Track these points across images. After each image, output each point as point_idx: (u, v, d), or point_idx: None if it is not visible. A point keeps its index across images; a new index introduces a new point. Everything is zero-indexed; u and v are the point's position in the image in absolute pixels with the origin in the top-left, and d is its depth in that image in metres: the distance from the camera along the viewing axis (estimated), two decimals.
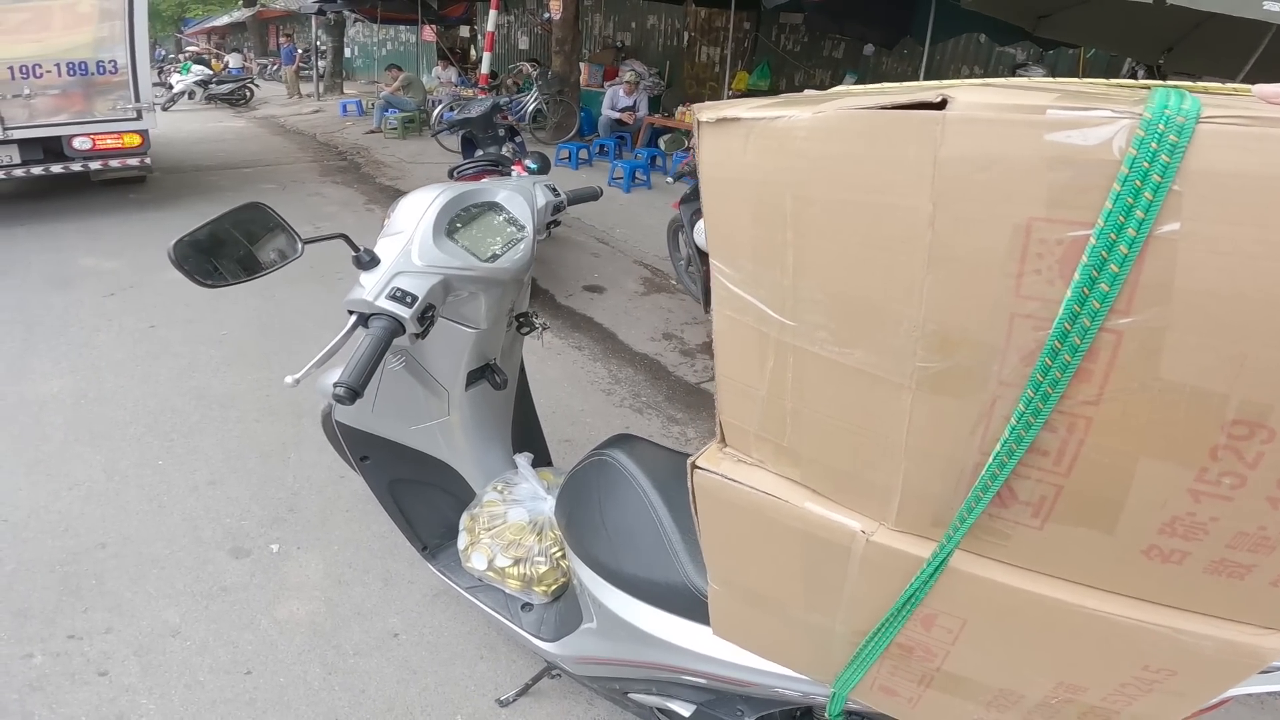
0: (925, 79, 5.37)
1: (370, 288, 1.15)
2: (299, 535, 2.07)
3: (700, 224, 3.18)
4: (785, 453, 0.70)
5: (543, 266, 4.35)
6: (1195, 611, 0.55)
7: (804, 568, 0.75)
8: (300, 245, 1.23)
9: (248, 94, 12.94)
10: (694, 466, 0.76)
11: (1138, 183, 0.38)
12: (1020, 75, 5.88)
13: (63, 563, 1.93)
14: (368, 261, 1.17)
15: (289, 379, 1.10)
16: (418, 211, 1.25)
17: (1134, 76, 5.14)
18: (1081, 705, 0.66)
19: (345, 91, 13.43)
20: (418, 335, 1.19)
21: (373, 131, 9.16)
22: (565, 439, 2.57)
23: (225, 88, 12.83)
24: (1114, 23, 4.16)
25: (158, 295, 3.71)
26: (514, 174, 3.75)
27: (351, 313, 1.17)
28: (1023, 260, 0.44)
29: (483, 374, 1.51)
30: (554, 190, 1.51)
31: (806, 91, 0.60)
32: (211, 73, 13.57)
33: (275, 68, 16.77)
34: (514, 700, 1.60)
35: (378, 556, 2.00)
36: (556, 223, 1.56)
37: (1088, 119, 0.40)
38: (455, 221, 1.29)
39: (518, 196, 1.39)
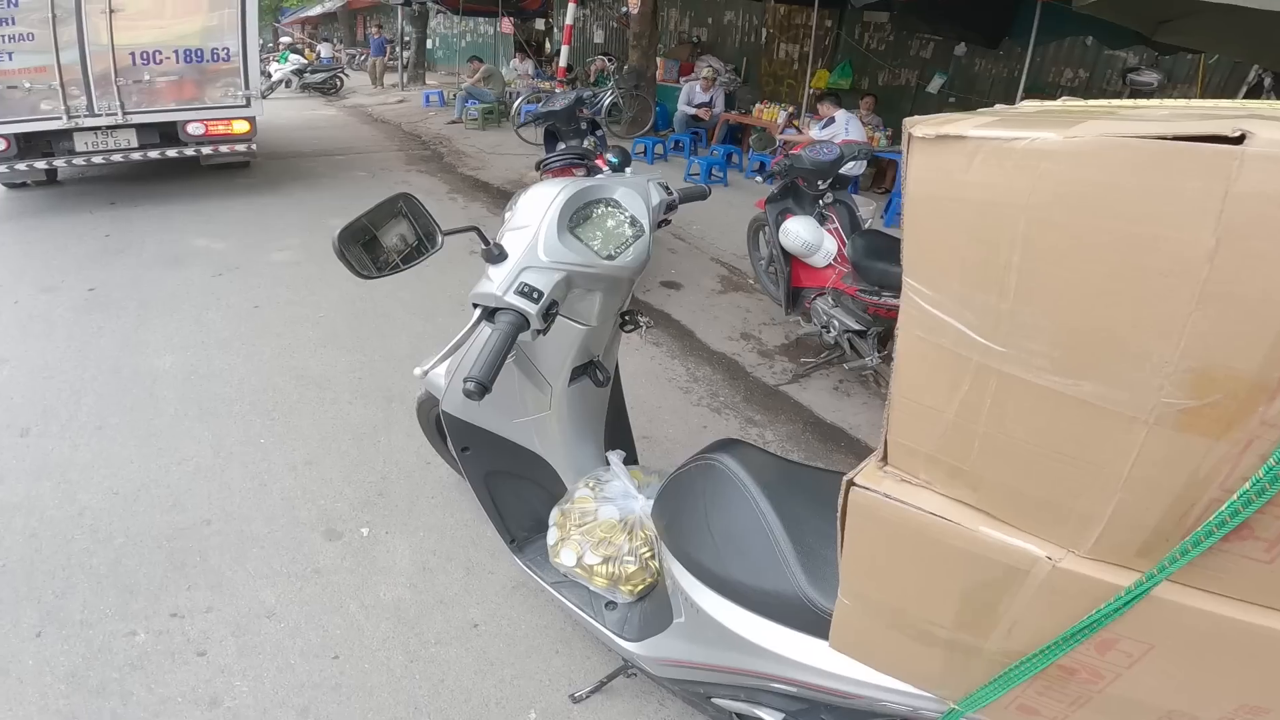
0: (1026, 82, 5.10)
1: (499, 282, 1.16)
2: (388, 519, 2.13)
3: (786, 225, 3.09)
4: (964, 476, 0.68)
5: None
6: None
7: (963, 589, 0.73)
8: (440, 238, 1.26)
9: (339, 83, 13.50)
10: (851, 483, 0.74)
11: None
12: (1133, 79, 5.48)
13: (170, 538, 2.02)
14: (497, 255, 1.19)
15: (418, 370, 1.13)
16: (542, 206, 1.25)
17: (1260, 84, 4.71)
18: None
19: (428, 82, 13.84)
20: (540, 331, 1.19)
21: (454, 122, 9.41)
22: (643, 435, 2.55)
23: (318, 77, 13.41)
24: (1242, 29, 3.82)
25: (260, 276, 3.92)
26: (598, 167, 3.77)
27: (476, 305, 1.18)
28: None
29: (585, 370, 1.51)
30: (667, 189, 1.49)
31: (1024, 104, 0.56)
32: (306, 62, 14.23)
33: (363, 57, 17.40)
34: (587, 697, 1.60)
35: (461, 545, 2.04)
36: (667, 221, 1.53)
37: None
38: (576, 217, 1.29)
39: (634, 194, 1.38)
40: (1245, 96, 4.82)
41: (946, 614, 0.77)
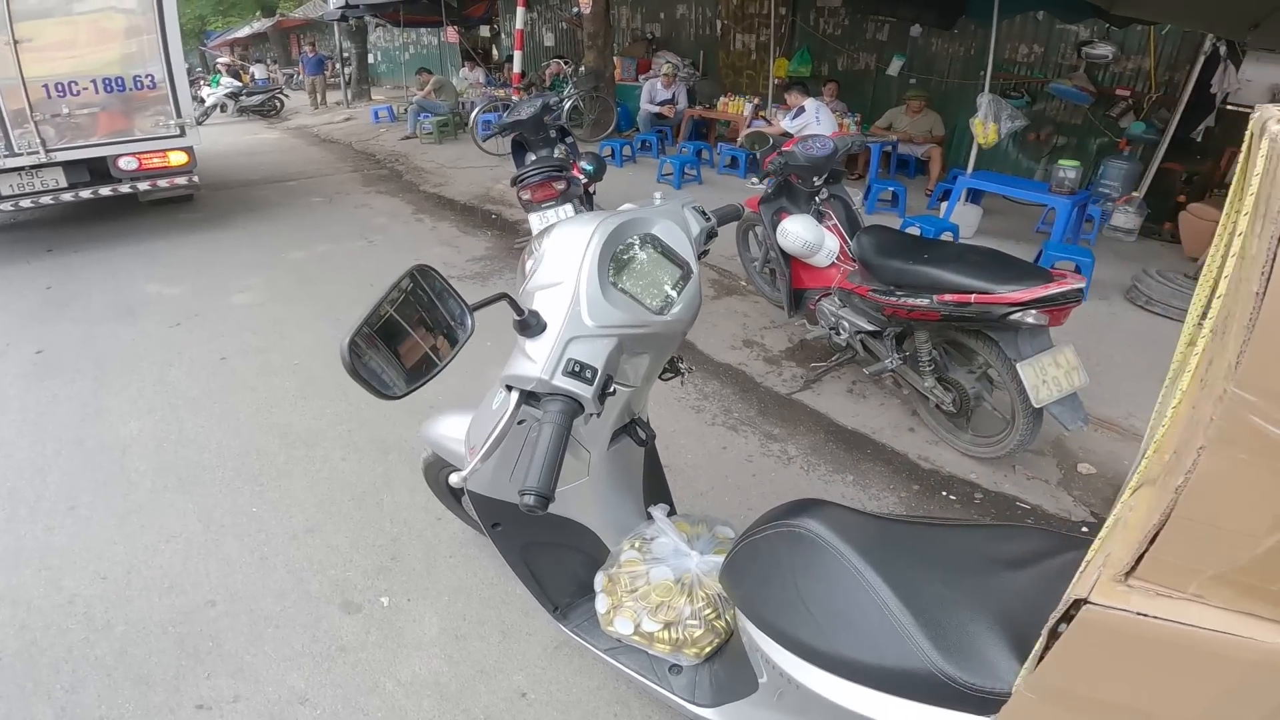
0: (989, 58, 5.09)
1: (544, 362, 0.96)
2: (407, 586, 1.97)
3: (784, 225, 2.97)
4: (1260, 593, 0.57)
5: None
6: None
7: (1219, 694, 0.63)
8: (470, 319, 1.03)
9: (278, 104, 13.01)
10: (1086, 602, 0.62)
11: None
12: (1088, 53, 5.53)
13: (174, 623, 1.85)
14: (535, 327, 0.99)
15: (454, 479, 0.95)
16: (576, 254, 1.05)
17: (1215, 53, 4.79)
18: None
19: (374, 98, 13.41)
20: (595, 415, 1.00)
21: (408, 137, 9.09)
22: (664, 465, 2.41)
23: (256, 99, 12.89)
24: None
25: (223, 323, 3.65)
26: (575, 178, 3.57)
27: (511, 388, 0.99)
28: None
29: (626, 430, 1.35)
30: (704, 214, 1.31)
31: None
32: (241, 85, 13.65)
33: (299, 77, 16.86)
34: None
35: (491, 606, 1.89)
36: (706, 252, 1.34)
37: None
38: (616, 263, 1.09)
39: (673, 225, 1.18)
40: (1202, 68, 4.90)
41: (1180, 717, 0.66)
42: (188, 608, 1.89)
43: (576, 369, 0.96)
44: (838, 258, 2.96)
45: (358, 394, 2.90)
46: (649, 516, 1.53)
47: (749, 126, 6.74)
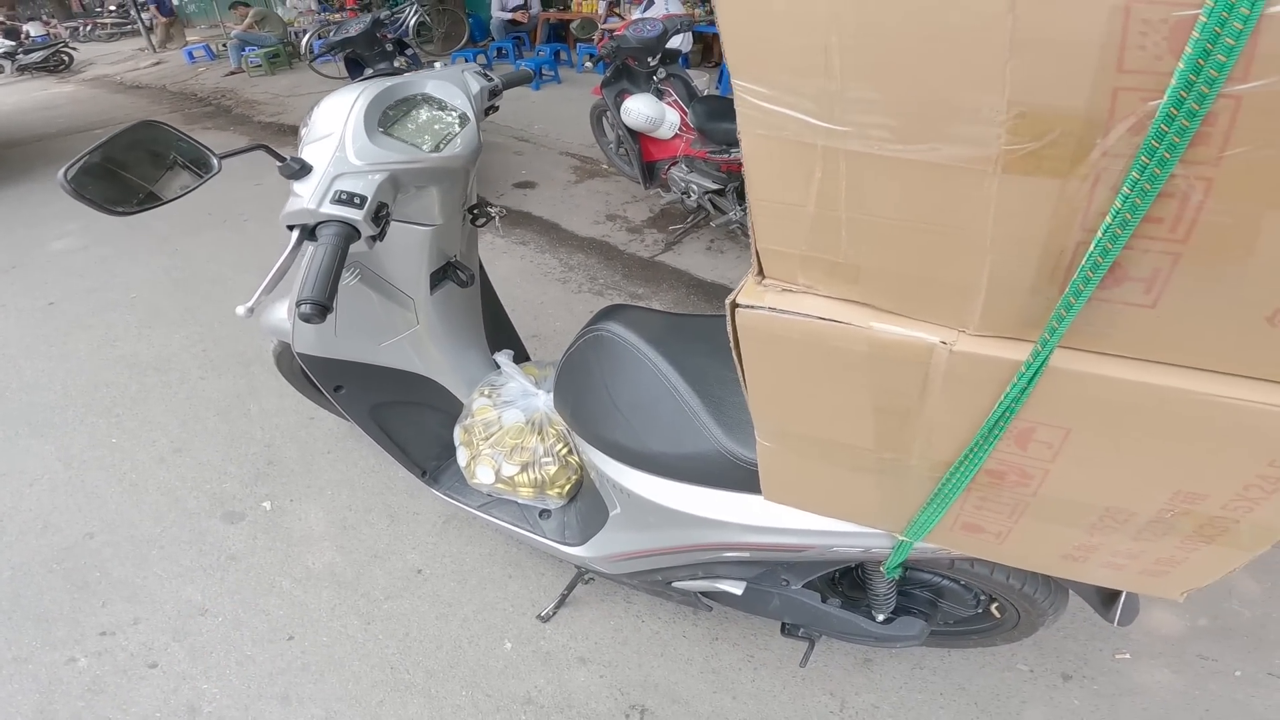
0: None
1: (310, 195, 1.01)
2: (287, 487, 1.97)
3: (626, 104, 3.05)
4: (841, 269, 0.64)
5: None
6: None
7: (874, 399, 0.69)
8: (217, 161, 1.07)
9: (66, 59, 11.30)
10: (734, 305, 0.68)
11: None
12: None
13: (58, 560, 1.79)
14: (297, 170, 1.03)
15: (240, 309, 0.98)
16: (341, 111, 1.10)
17: None
18: (1200, 516, 0.63)
19: (188, 39, 11.83)
20: (374, 238, 1.07)
21: (233, 73, 8.18)
22: (532, 334, 2.51)
23: (37, 55, 11.14)
24: None
25: (44, 272, 3.31)
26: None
27: (292, 227, 1.04)
28: (1124, 38, 0.42)
29: (446, 274, 1.40)
30: (486, 75, 1.36)
31: None
32: (15, 44, 11.69)
33: (89, 28, 14.64)
34: (554, 613, 1.56)
35: (375, 493, 1.92)
36: (494, 108, 1.42)
37: None
38: (387, 117, 1.15)
39: (448, 84, 1.25)
40: None
41: (866, 434, 0.73)
42: (67, 544, 1.84)
43: (345, 197, 1.02)
44: (680, 129, 3.09)
45: (208, 315, 2.81)
46: (498, 365, 1.57)
47: (604, 23, 6.58)
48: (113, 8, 13.07)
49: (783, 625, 1.31)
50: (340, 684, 1.49)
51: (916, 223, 0.57)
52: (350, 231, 1.01)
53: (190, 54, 9.66)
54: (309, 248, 1.03)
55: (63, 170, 0.94)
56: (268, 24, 8.52)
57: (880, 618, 1.18)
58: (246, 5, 8.80)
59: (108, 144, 0.99)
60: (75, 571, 1.76)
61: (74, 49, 11.92)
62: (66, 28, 15.64)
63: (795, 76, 0.54)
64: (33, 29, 14.11)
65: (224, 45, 8.86)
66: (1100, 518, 0.69)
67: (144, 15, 12.14)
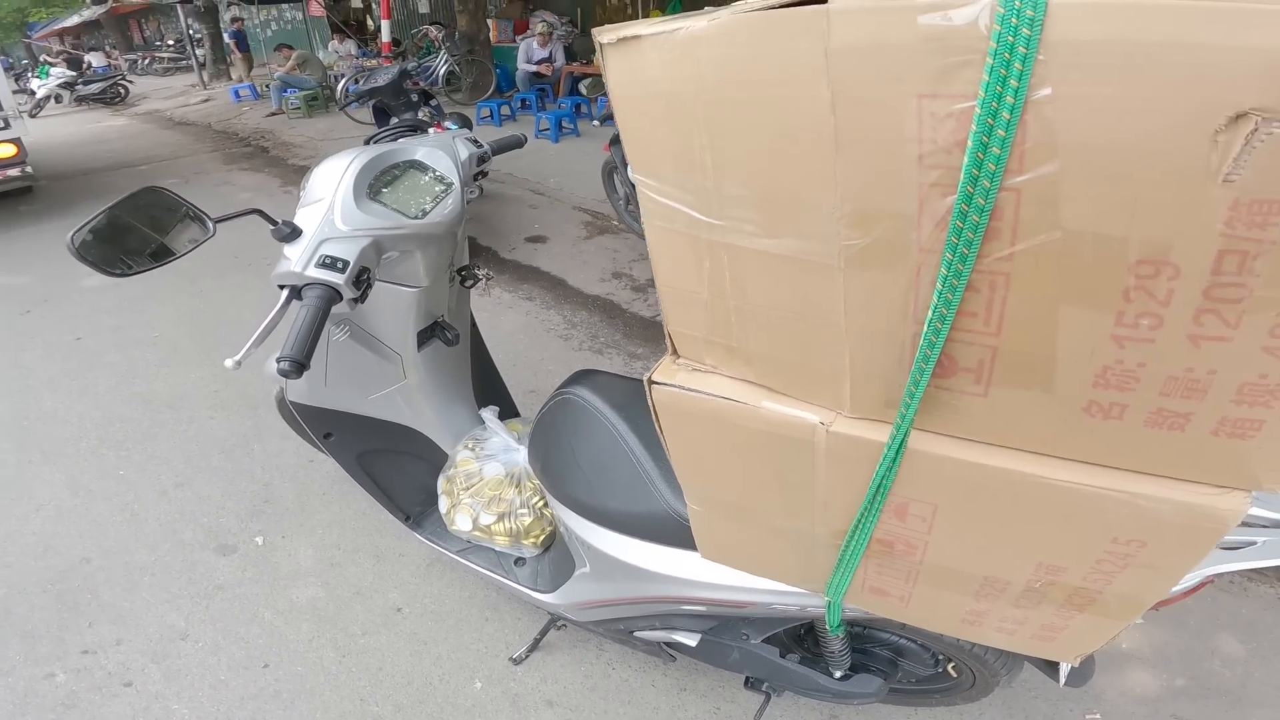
0: None
1: (296, 259, 1.10)
2: (280, 524, 2.04)
3: None
4: (736, 353, 0.69)
5: (481, 224, 4.26)
6: (1149, 474, 0.57)
7: (775, 471, 0.74)
8: (211, 225, 1.18)
9: (122, 91, 11.95)
10: (651, 382, 0.74)
11: (1006, 55, 0.41)
12: None
13: (52, 582, 1.87)
14: (288, 234, 1.12)
15: (229, 362, 1.06)
16: (334, 177, 1.20)
17: None
18: (1065, 587, 0.67)
19: (233, 77, 12.50)
20: (356, 300, 1.15)
21: (274, 114, 8.61)
22: (530, 390, 2.58)
23: (95, 87, 11.81)
24: None
25: (76, 307, 3.49)
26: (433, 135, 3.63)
27: (283, 287, 1.12)
28: (920, 133, 0.46)
29: (433, 332, 1.47)
30: (475, 142, 1.46)
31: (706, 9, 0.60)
32: (75, 74, 12.40)
33: (148, 61, 15.50)
34: (527, 656, 1.60)
35: (364, 534, 1.98)
36: (484, 173, 1.51)
37: (953, 0, 0.42)
38: (377, 183, 1.25)
39: (438, 151, 1.35)
40: None
41: (774, 502, 0.77)
42: (63, 567, 1.91)
43: (329, 261, 1.10)
44: None
45: (221, 356, 2.91)
46: (483, 420, 1.63)
47: None
48: (170, 42, 13.88)
49: (746, 679, 1.34)
50: (309, 712, 1.52)
51: (787, 312, 0.62)
52: (332, 294, 1.09)
53: (236, 93, 10.20)
54: (296, 307, 1.11)
55: (70, 234, 1.04)
56: (309, 67, 8.97)
57: (838, 674, 1.22)
58: (290, 48, 9.31)
59: (113, 209, 1.10)
60: (68, 593, 1.83)
61: (130, 82, 12.62)
62: (126, 60, 16.56)
63: (679, 173, 0.60)
64: (95, 59, 14.97)
65: (267, 86, 9.34)
66: (981, 586, 0.73)
67: (198, 51, 12.87)
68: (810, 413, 0.66)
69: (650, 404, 0.76)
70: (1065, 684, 1.03)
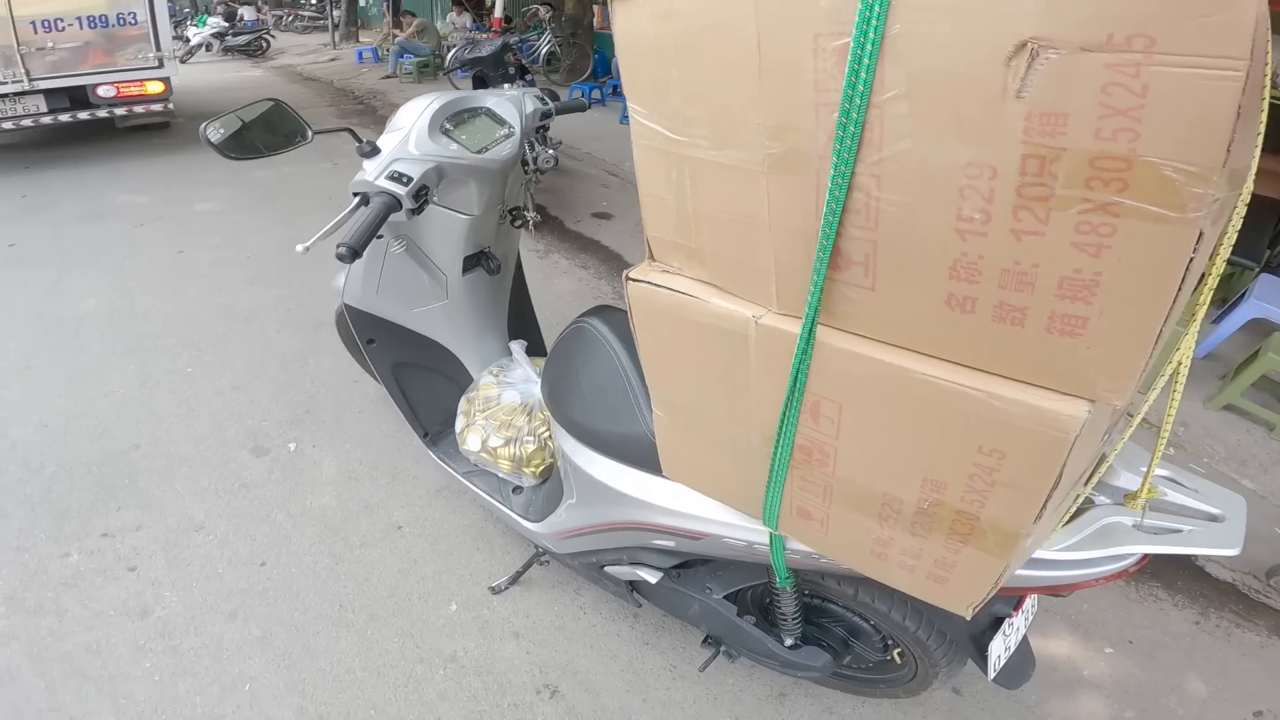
0: None
1: (371, 170, 1.27)
2: (315, 435, 2.22)
3: None
4: (694, 254, 0.79)
5: (554, 196, 4.42)
6: (1004, 377, 0.63)
7: (721, 368, 0.82)
8: (311, 133, 1.42)
9: (264, 45, 12.94)
10: (628, 279, 0.85)
11: (871, 1, 0.52)
12: None
13: (99, 464, 2.08)
14: (369, 151, 1.30)
15: (299, 246, 1.22)
16: (415, 112, 1.38)
17: None
18: (948, 509, 0.74)
19: (361, 40, 13.33)
20: (413, 211, 1.31)
21: (388, 76, 9.17)
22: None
23: (242, 39, 12.81)
24: None
25: (185, 225, 3.88)
26: None
27: (355, 194, 1.30)
28: (815, 63, 0.58)
29: (478, 260, 1.61)
30: (543, 99, 1.61)
31: None
32: (227, 25, 13.54)
33: (291, 19, 16.70)
34: (506, 588, 1.70)
35: (387, 454, 2.13)
36: (546, 127, 1.69)
37: None
38: (450, 121, 1.42)
39: (507, 103, 1.52)
40: None
41: (720, 404, 0.87)
42: (114, 451, 2.12)
43: (397, 175, 1.27)
44: None
45: (300, 281, 3.22)
46: (510, 352, 1.77)
47: None
48: (314, 1, 14.94)
49: (705, 637, 1.40)
50: (289, 611, 1.66)
51: (732, 215, 0.73)
52: (394, 202, 1.25)
53: (360, 55, 10.89)
54: (362, 211, 1.28)
55: (203, 125, 1.30)
56: (426, 35, 9.48)
57: (789, 642, 1.25)
58: (413, 15, 9.85)
59: (242, 110, 1.37)
60: (108, 476, 2.03)
61: (273, 36, 13.66)
62: (274, 15, 17.94)
63: (658, 101, 0.73)
64: (247, 13, 16.31)
65: (387, 50, 9.93)
66: (881, 506, 0.80)
67: (335, 12, 13.77)
68: (746, 308, 0.76)
69: (626, 300, 0.86)
70: (994, 679, 1.03)
